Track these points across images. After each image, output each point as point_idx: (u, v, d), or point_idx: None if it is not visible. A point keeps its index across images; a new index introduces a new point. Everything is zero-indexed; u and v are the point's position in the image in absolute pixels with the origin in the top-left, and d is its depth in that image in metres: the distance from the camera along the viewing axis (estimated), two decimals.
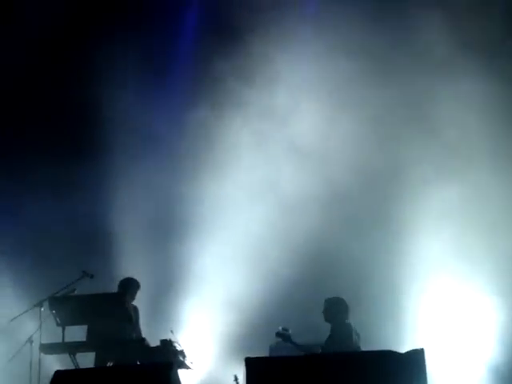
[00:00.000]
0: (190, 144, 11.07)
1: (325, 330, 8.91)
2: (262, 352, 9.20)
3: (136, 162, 11.05)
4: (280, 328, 8.69)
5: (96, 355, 8.79)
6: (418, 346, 6.50)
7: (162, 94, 11.32)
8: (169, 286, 10.68)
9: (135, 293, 9.21)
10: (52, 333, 8.54)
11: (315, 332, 9.23)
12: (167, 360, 8.21)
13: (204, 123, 10.97)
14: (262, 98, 10.71)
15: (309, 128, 10.57)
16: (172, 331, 8.95)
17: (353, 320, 8.76)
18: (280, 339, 8.79)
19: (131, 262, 10.02)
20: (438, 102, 10.41)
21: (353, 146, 10.49)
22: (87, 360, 8.71)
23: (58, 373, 6.58)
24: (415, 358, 6.34)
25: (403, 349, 6.64)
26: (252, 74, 10.69)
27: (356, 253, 10.33)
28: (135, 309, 9.14)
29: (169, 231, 10.86)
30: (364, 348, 8.42)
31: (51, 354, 8.69)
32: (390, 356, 6.40)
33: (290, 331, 8.72)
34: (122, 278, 9.35)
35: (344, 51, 10.43)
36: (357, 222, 10.55)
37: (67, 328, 8.36)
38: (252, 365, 6.55)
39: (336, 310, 8.78)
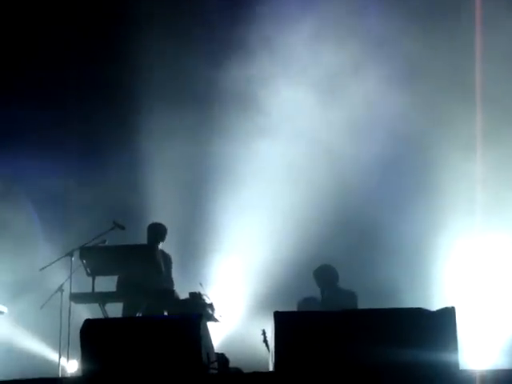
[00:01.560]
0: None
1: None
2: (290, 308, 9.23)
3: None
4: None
5: (125, 305, 8.89)
6: (448, 304, 6.46)
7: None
8: (199, 241, 10.68)
9: (165, 237, 9.24)
10: (82, 282, 8.62)
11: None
12: (196, 312, 8.29)
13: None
14: None
15: None
16: (201, 284, 8.98)
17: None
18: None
19: (162, 216, 9.98)
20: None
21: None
22: (116, 310, 8.81)
23: (87, 321, 6.62)
24: (446, 316, 6.30)
25: (433, 307, 6.61)
26: None
27: (384, 208, 10.30)
28: (167, 258, 9.11)
29: (201, 188, 10.83)
30: (393, 305, 8.40)
31: (81, 303, 8.75)
32: (421, 313, 6.38)
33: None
34: (150, 223, 9.36)
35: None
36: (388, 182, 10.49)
37: (97, 278, 8.42)
38: (281, 319, 6.54)
39: (328, 275, 8.80)
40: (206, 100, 10.99)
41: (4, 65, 11.19)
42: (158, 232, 9.21)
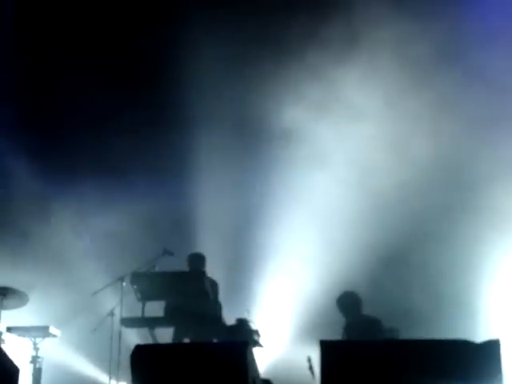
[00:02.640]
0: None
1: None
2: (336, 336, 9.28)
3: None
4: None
5: (174, 331, 9.04)
6: (492, 337, 6.46)
7: None
8: (247, 268, 10.79)
9: (204, 265, 9.40)
10: (132, 307, 8.81)
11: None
12: (243, 339, 8.40)
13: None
14: None
15: None
16: (248, 310, 9.10)
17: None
18: None
19: (211, 243, 10.16)
20: None
21: None
22: (165, 336, 8.97)
23: (138, 347, 6.71)
24: (491, 349, 6.29)
25: (477, 339, 6.61)
26: None
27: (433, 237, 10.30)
28: (214, 284, 9.27)
29: (250, 215, 10.97)
30: (436, 337, 8.40)
31: (131, 327, 8.96)
32: (466, 345, 6.36)
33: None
34: (190, 253, 9.54)
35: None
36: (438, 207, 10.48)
37: (147, 303, 8.62)
38: (327, 348, 6.60)
39: (351, 302, 8.82)
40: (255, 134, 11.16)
41: None
42: (197, 261, 9.39)
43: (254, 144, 11.08)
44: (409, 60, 10.61)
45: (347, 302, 8.83)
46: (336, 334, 8.78)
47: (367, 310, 8.86)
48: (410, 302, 9.93)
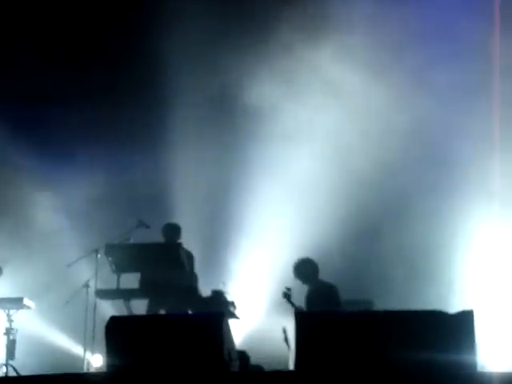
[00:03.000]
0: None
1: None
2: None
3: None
4: (284, 288, 8.77)
5: (149, 302, 9.01)
6: (467, 307, 6.52)
7: None
8: (223, 240, 10.80)
9: (180, 236, 9.36)
10: (107, 279, 8.78)
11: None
12: (218, 310, 8.41)
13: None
14: None
15: None
16: (223, 282, 9.10)
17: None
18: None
19: (186, 215, 10.14)
20: None
21: None
22: (140, 307, 8.95)
23: (112, 318, 6.71)
24: (464, 319, 6.35)
25: (451, 310, 6.67)
26: None
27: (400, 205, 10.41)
28: (190, 255, 9.23)
29: (226, 188, 10.96)
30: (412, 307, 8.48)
31: (106, 299, 8.93)
32: (440, 316, 6.42)
33: (292, 291, 8.78)
34: (165, 224, 9.47)
35: None
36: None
37: (122, 275, 8.59)
38: (302, 319, 6.64)
39: (310, 269, 8.85)
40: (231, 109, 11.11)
41: None
42: (172, 231, 9.35)
43: (230, 119, 11.06)
44: (382, 38, 10.63)
45: (306, 269, 8.82)
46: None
47: (342, 283, 8.88)
48: (385, 273, 10.01)
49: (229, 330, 6.95)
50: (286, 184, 10.63)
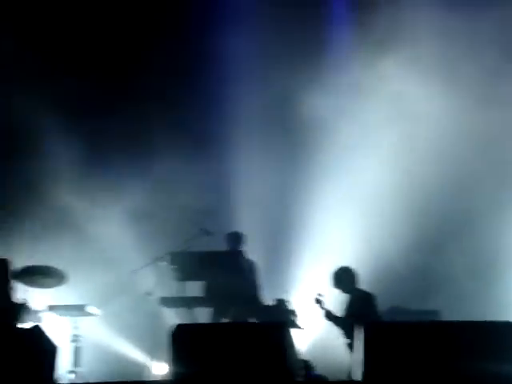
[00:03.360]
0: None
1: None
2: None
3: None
4: (317, 294, 8.66)
5: (212, 311, 9.02)
6: None
7: None
8: (286, 249, 10.76)
9: (243, 244, 9.36)
10: (171, 287, 8.81)
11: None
12: (281, 319, 8.37)
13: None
14: None
15: None
16: (287, 291, 9.06)
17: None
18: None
19: (249, 223, 10.14)
20: None
21: None
22: (203, 315, 8.96)
23: (179, 326, 6.72)
24: None
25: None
26: None
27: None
28: (253, 264, 9.23)
29: (289, 196, 10.92)
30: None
31: (170, 307, 8.96)
32: (509, 327, 6.30)
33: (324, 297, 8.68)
34: (229, 232, 9.51)
35: None
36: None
37: (186, 283, 8.61)
38: (370, 329, 6.56)
39: (348, 278, 8.74)
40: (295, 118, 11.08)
41: None
42: (235, 239, 9.35)
43: (293, 128, 11.02)
44: (448, 49, 10.51)
45: (346, 278, 8.72)
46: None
47: (405, 291, 8.78)
48: (450, 283, 9.84)
49: (293, 339, 6.91)
50: (350, 193, 10.57)
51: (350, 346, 8.54)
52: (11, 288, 9.04)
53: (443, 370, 6.14)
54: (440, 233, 10.29)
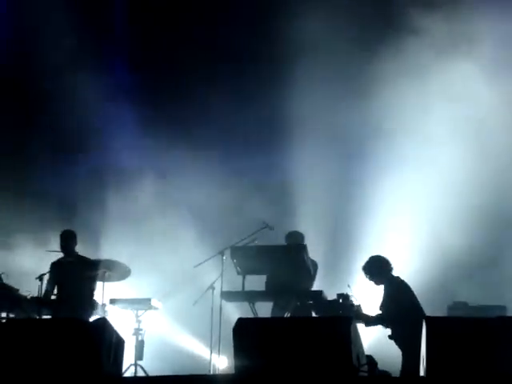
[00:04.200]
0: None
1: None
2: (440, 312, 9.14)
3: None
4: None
5: (273, 305, 9.00)
6: None
7: None
8: (347, 244, 10.70)
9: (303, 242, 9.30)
10: (232, 281, 8.81)
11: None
12: (344, 314, 8.31)
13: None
14: None
15: None
16: (349, 285, 8.97)
17: None
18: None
19: (308, 214, 10.10)
20: None
21: None
22: (264, 309, 8.94)
23: (240, 320, 6.73)
24: None
25: None
26: None
27: None
28: (314, 263, 9.22)
29: (347, 191, 10.85)
30: None
31: (231, 301, 8.94)
32: None
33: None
34: (289, 231, 9.47)
35: None
36: None
37: (247, 277, 8.60)
38: (432, 324, 6.47)
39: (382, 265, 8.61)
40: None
41: None
42: (296, 239, 9.31)
43: (356, 115, 10.93)
44: None
45: (377, 268, 8.61)
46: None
47: (472, 287, 8.65)
48: None
49: (357, 334, 6.86)
50: (419, 188, 10.44)
51: (391, 337, 8.50)
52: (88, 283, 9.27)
53: (508, 367, 6.03)
54: (509, 229, 10.10)
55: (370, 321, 8.56)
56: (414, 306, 8.42)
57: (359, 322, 8.64)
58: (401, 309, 8.37)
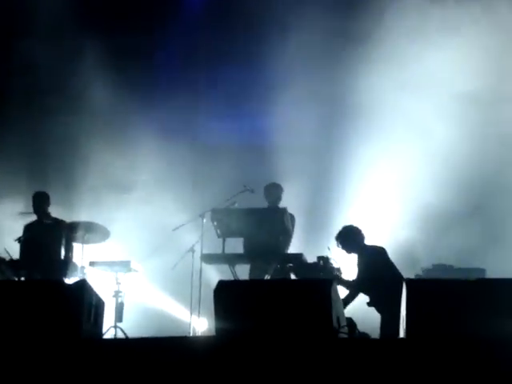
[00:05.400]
0: None
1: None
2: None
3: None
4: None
5: (252, 268, 9.01)
6: None
7: None
8: (327, 204, 10.69)
9: (281, 198, 9.30)
10: (212, 244, 8.80)
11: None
12: (324, 276, 8.33)
13: None
14: None
15: None
16: (329, 248, 8.97)
17: None
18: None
19: (289, 179, 10.05)
20: None
21: None
22: (244, 272, 8.95)
23: (221, 282, 6.71)
24: None
25: None
26: None
27: None
28: (292, 218, 9.17)
29: (328, 151, 10.82)
30: None
31: (211, 263, 8.95)
32: None
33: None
34: (267, 184, 9.42)
35: None
36: None
37: (227, 240, 8.58)
38: (412, 286, 6.49)
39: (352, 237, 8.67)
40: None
41: None
42: (275, 192, 9.27)
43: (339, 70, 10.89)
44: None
45: (350, 237, 8.65)
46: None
47: (452, 249, 8.70)
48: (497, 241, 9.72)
49: (338, 297, 6.87)
50: (399, 147, 10.44)
51: (369, 304, 8.55)
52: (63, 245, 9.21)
53: (487, 328, 6.07)
54: (490, 192, 10.14)
55: (349, 289, 8.59)
56: (391, 271, 8.47)
57: (340, 285, 8.68)
58: (376, 275, 8.41)
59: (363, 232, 8.74)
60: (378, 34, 10.56)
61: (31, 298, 6.27)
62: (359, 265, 8.63)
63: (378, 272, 8.40)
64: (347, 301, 8.51)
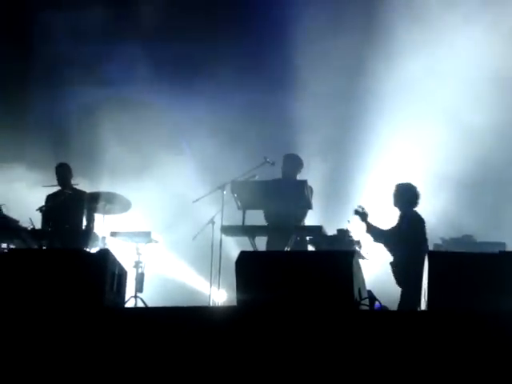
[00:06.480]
0: None
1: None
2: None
3: None
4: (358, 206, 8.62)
5: (271, 240, 8.96)
6: None
7: None
8: (347, 177, 10.68)
9: (300, 170, 9.26)
10: (232, 216, 8.79)
11: None
12: (343, 249, 8.32)
13: None
14: None
15: None
16: (349, 221, 8.96)
17: None
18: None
19: (309, 148, 10.04)
20: None
21: None
22: (263, 245, 8.94)
23: (242, 253, 6.70)
24: None
25: None
26: None
27: None
28: (311, 190, 9.13)
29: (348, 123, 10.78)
30: None
31: (231, 235, 8.93)
32: None
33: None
34: (287, 154, 9.36)
35: None
36: None
37: (247, 212, 8.55)
38: (434, 258, 6.48)
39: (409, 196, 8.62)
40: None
41: None
42: (293, 163, 9.23)
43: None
44: None
45: (410, 194, 8.61)
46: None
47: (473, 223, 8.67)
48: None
49: (359, 269, 6.86)
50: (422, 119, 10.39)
51: (392, 264, 8.54)
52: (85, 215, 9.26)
53: (508, 302, 6.05)
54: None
55: (376, 232, 8.54)
56: (424, 243, 8.45)
57: (360, 258, 8.69)
58: (412, 238, 8.40)
59: (419, 196, 8.70)
60: (408, 20, 10.49)
61: (54, 267, 6.30)
62: (401, 223, 8.59)
63: (415, 236, 8.38)
64: (375, 232, 8.48)
